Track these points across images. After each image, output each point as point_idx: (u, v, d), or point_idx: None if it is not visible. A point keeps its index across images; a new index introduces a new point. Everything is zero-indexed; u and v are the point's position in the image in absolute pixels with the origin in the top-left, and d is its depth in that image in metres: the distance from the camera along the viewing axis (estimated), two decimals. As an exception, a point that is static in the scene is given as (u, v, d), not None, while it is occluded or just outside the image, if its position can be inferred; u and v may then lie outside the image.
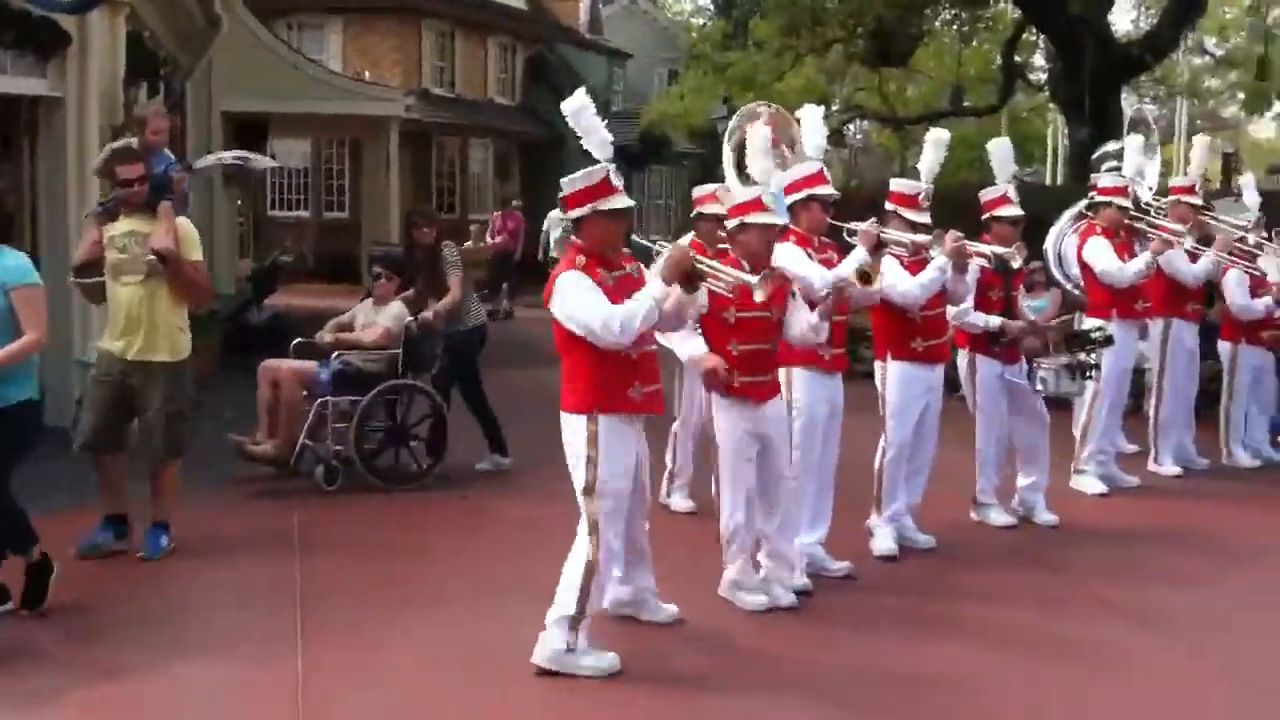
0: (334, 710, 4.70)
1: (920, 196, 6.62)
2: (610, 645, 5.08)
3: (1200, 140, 10.46)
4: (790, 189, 6.12)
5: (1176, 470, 8.76)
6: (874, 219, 6.36)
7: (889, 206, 6.70)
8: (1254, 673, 5.21)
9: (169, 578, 6.20)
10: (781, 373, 5.96)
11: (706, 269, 5.03)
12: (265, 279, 14.74)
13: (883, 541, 6.67)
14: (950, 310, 6.95)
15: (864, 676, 5.12)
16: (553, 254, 18.44)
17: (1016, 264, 7.06)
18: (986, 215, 7.18)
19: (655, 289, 4.80)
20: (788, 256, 5.89)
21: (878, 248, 6.18)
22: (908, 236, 6.48)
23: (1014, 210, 7.11)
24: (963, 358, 7.32)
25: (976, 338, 7.21)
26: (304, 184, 26.20)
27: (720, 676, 5.10)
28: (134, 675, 4.95)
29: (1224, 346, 9.13)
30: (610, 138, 5.00)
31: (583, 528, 5.00)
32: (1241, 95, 35.83)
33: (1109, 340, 7.61)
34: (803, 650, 5.37)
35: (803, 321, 5.62)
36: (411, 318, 8.09)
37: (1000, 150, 7.45)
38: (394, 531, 7.12)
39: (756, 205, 5.57)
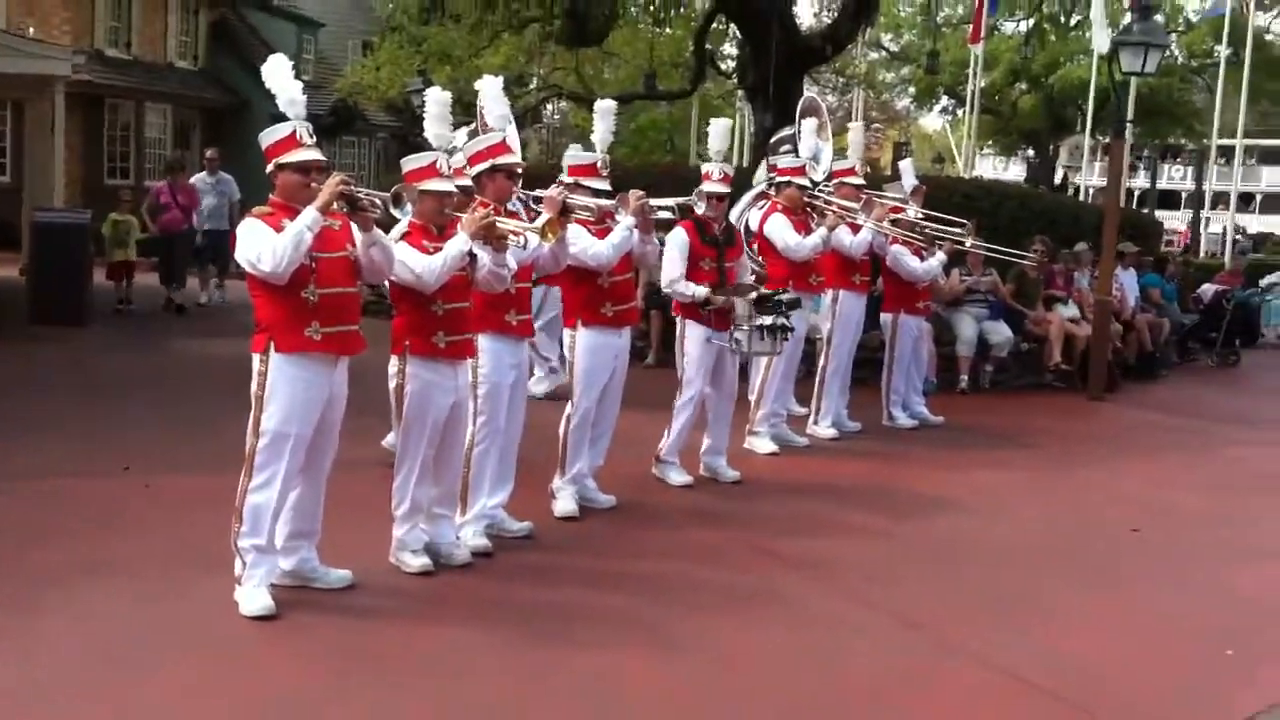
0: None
1: (598, 165, 6.73)
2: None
3: (856, 126, 11.32)
4: (474, 160, 6.11)
5: (833, 433, 9.26)
6: (560, 186, 6.41)
7: (569, 179, 6.76)
8: (919, 619, 5.50)
9: None
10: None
11: (364, 197, 5.15)
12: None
13: (564, 503, 6.73)
14: (663, 279, 7.38)
15: (538, 625, 5.13)
16: (204, 225, 15.20)
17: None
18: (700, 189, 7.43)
19: (308, 217, 4.96)
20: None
21: (563, 213, 6.22)
22: (593, 201, 6.56)
23: (716, 187, 7.42)
24: (654, 322, 7.52)
25: (688, 306, 7.46)
26: (-39, 146, 24.13)
27: (392, 628, 5.04)
28: None
29: (885, 317, 9.74)
30: (302, 98, 5.19)
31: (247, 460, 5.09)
32: (913, 89, 38.42)
33: (796, 302, 7.96)
34: (479, 605, 5.35)
35: (485, 263, 5.64)
36: None
37: (716, 129, 7.76)
38: (54, 515, 6.59)
39: (431, 172, 5.57)
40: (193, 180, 15.69)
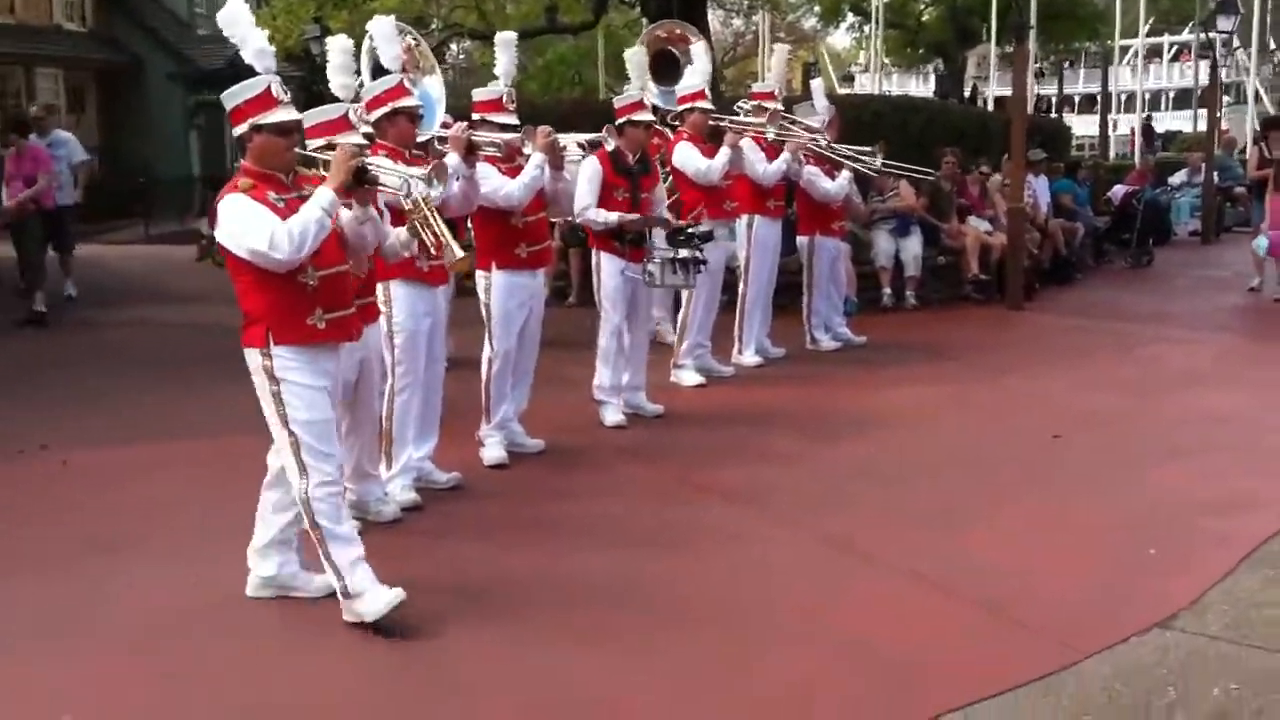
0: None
1: (504, 99, 6.62)
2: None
3: (780, 49, 11.08)
4: (372, 104, 5.91)
5: (758, 360, 9.29)
6: (464, 124, 6.29)
7: (475, 116, 6.64)
8: (848, 538, 5.55)
9: None
10: (380, 289, 5.81)
11: (379, 168, 4.69)
12: None
13: (492, 450, 6.68)
14: (575, 208, 7.24)
15: (472, 580, 5.08)
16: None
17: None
18: (622, 120, 7.34)
19: (324, 198, 4.42)
20: (379, 167, 5.69)
21: (470, 152, 6.10)
22: (499, 136, 6.44)
23: (648, 115, 7.47)
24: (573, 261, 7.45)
25: (602, 237, 7.38)
26: None
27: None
28: None
29: (802, 240, 9.74)
30: (270, 47, 4.63)
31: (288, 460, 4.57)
32: (818, 8, 38.29)
33: (708, 235, 7.91)
34: (410, 563, 5.23)
35: (391, 235, 5.30)
36: None
37: (635, 58, 7.89)
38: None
39: (343, 124, 5.32)
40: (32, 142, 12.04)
